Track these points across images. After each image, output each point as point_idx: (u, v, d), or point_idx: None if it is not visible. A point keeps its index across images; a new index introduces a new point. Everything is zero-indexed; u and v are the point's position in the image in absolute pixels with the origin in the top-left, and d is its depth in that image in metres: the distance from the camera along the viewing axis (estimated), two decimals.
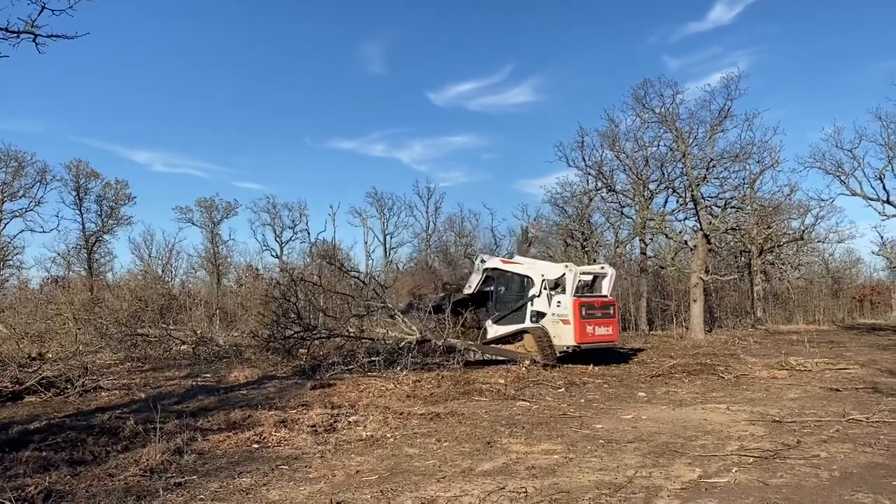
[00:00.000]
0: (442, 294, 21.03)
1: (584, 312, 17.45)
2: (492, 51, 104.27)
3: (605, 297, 18.74)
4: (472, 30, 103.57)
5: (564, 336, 17.47)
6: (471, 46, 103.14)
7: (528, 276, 18.92)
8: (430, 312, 18.87)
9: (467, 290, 20.77)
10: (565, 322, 17.49)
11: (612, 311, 18.42)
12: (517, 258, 21.14)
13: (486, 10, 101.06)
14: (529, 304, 18.54)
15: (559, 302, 17.84)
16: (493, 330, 19.37)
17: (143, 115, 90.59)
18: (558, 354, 17.36)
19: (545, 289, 18.19)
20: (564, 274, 18.07)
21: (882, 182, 30.67)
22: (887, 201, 30.58)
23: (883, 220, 32.07)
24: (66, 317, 22.48)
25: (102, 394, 13.38)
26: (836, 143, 31.60)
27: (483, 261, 20.75)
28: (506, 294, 19.81)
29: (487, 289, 20.51)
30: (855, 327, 38.86)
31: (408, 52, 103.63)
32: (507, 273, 19.80)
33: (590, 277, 19.18)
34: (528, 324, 18.35)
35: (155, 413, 9.45)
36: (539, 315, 18.23)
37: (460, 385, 13.85)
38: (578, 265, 19.87)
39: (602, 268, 19.67)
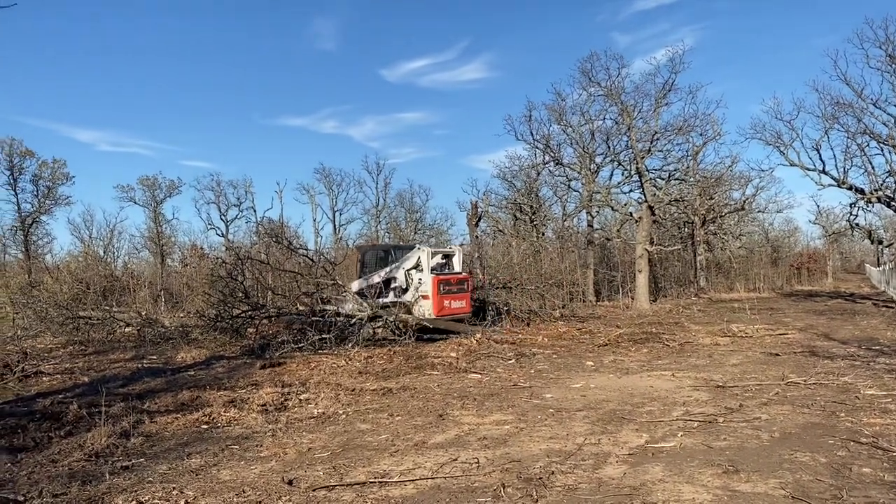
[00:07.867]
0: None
1: (441, 289, 19.10)
2: (444, 28, 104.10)
3: (460, 273, 20.43)
4: (424, 7, 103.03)
5: (424, 310, 18.99)
6: (423, 24, 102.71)
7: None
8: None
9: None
10: (425, 297, 19.10)
11: (465, 287, 20.15)
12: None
13: None
14: (393, 281, 19.71)
15: (420, 279, 19.32)
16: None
17: (88, 95, 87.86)
18: (415, 327, 18.33)
19: (406, 271, 19.52)
20: (420, 256, 19.54)
21: (819, 152, 31.68)
22: (823, 171, 31.60)
23: (819, 190, 33.32)
24: (2, 301, 21.77)
25: (44, 378, 13.01)
26: (776, 114, 32.57)
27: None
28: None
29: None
30: (793, 294, 40.14)
31: (360, 28, 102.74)
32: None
33: (442, 259, 20.70)
34: (391, 299, 19.37)
35: (100, 396, 9.25)
36: (402, 291, 19.57)
37: (412, 360, 13.88)
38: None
39: (450, 248, 21.74)
